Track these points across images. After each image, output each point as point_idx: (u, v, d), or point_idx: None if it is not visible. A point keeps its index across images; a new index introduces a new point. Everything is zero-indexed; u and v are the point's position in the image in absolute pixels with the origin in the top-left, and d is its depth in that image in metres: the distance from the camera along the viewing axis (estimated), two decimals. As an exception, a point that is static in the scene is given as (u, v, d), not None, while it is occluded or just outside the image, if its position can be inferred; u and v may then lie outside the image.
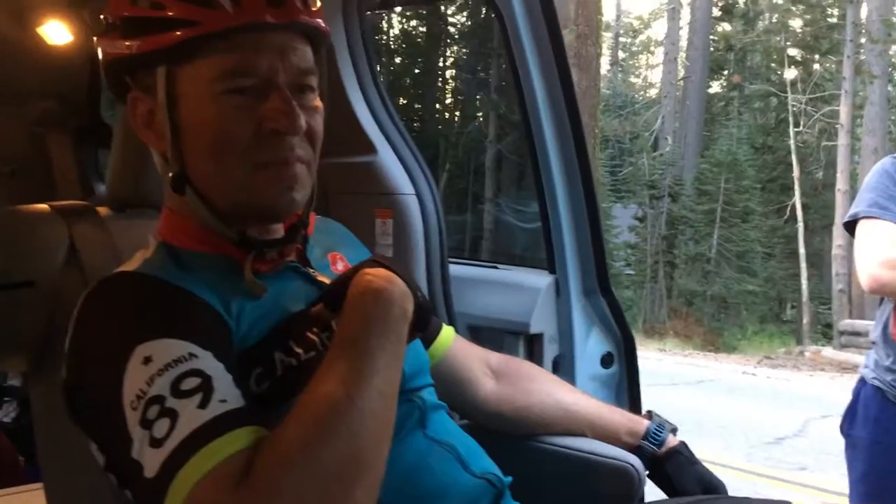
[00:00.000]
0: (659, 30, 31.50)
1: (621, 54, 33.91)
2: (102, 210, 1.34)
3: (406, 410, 1.04)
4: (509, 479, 1.11)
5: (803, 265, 17.46)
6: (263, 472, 0.75)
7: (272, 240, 1.01)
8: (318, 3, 0.99)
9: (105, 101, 2.46)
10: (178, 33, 0.90)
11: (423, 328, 0.98)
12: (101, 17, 0.99)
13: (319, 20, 0.98)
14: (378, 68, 1.83)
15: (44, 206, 1.27)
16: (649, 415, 1.35)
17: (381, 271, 0.93)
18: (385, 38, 17.27)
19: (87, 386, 0.88)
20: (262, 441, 0.78)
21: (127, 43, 0.94)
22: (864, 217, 1.86)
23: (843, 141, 16.10)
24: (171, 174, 0.97)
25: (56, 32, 2.09)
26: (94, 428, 0.89)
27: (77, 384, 0.90)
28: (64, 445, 1.18)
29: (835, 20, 20.30)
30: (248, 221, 0.98)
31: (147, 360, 0.82)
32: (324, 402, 0.79)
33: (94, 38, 1.01)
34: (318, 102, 0.99)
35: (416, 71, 19.13)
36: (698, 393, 7.79)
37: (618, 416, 1.34)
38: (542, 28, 1.71)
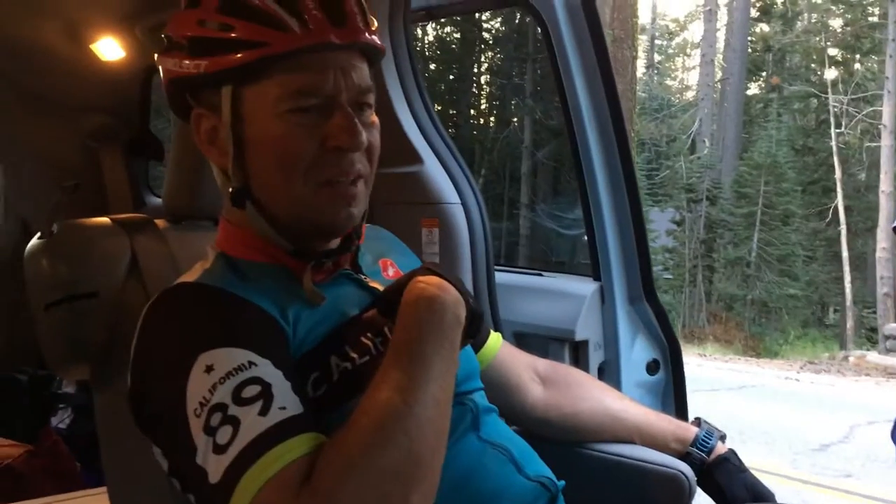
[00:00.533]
0: (695, 32, 31.21)
1: (657, 57, 33.65)
2: (160, 222, 1.38)
3: (458, 413, 1.06)
4: (563, 483, 1.12)
5: (846, 268, 17.13)
6: (324, 477, 0.77)
7: (328, 250, 1.04)
8: (375, 21, 1.02)
9: (154, 113, 2.52)
10: (247, 54, 0.93)
11: (475, 334, 1.00)
12: (163, 35, 1.03)
13: (376, 38, 1.00)
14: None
15: (105, 220, 1.32)
16: (698, 422, 1.35)
17: (434, 279, 0.96)
18: (420, 44, 17.35)
19: (152, 394, 0.91)
20: (323, 446, 0.81)
21: (194, 62, 0.96)
22: None
23: (886, 142, 15.77)
24: (231, 189, 1.00)
25: (108, 48, 2.15)
26: (160, 434, 0.92)
27: (142, 392, 0.93)
28: (127, 451, 1.22)
29: (876, 19, 19.92)
30: (306, 234, 1.01)
31: (209, 369, 0.85)
32: (382, 408, 0.82)
33: (156, 57, 1.04)
34: (374, 118, 1.02)
35: (451, 77, 19.16)
36: (740, 399, 7.69)
37: (666, 423, 1.34)
38: (584, 33, 1.73)
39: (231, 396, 0.82)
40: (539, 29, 1.76)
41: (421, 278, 0.96)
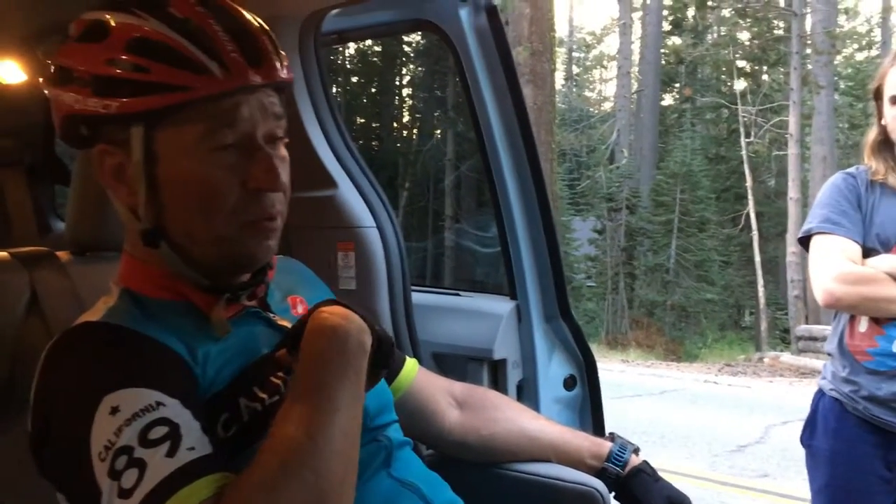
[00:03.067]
0: (611, 44, 32.01)
1: (575, 69, 34.39)
2: (62, 255, 1.34)
3: (372, 451, 1.07)
4: None
5: (759, 272, 17.78)
6: None
7: (241, 283, 1.03)
8: (284, 54, 1.02)
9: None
10: (166, 97, 0.90)
11: (386, 362, 1.00)
12: (56, 66, 0.98)
13: (292, 75, 1.01)
14: (334, 92, 1.85)
15: (3, 254, 1.27)
16: (612, 437, 1.38)
17: (337, 308, 0.95)
18: (341, 57, 17.29)
19: (54, 437, 0.88)
20: (227, 488, 0.79)
21: (102, 102, 0.92)
22: (816, 233, 1.90)
23: (792, 150, 16.47)
24: (142, 229, 0.98)
25: (9, 71, 2.08)
26: (63, 480, 0.89)
27: (44, 436, 0.89)
28: (27, 498, 1.17)
29: (781, 32, 20.80)
30: (223, 269, 1.00)
31: (115, 410, 0.82)
32: (286, 445, 0.81)
33: (44, 84, 1.00)
34: (285, 152, 1.01)
35: (374, 90, 19.17)
36: (662, 403, 7.88)
37: (581, 440, 1.36)
38: (493, 54, 1.75)
39: (137, 438, 0.81)
40: (449, 51, 1.77)
41: (324, 309, 0.96)
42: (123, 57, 0.92)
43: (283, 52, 1.00)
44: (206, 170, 0.93)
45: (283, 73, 0.98)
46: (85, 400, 0.84)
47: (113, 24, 0.94)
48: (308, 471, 0.79)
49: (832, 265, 1.84)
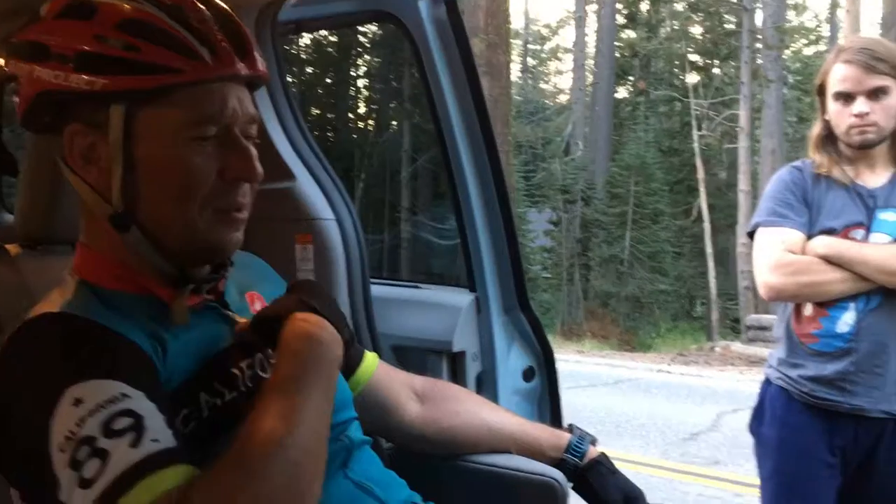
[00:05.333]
0: (567, 37, 32.24)
1: (531, 61, 34.53)
2: (12, 248, 1.31)
3: (333, 451, 1.06)
4: (431, 503, 1.15)
5: (711, 263, 18.12)
6: None
7: (204, 276, 1.03)
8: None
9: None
10: (156, 78, 0.91)
11: (349, 367, 1.06)
12: (26, 42, 0.96)
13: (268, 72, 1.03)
14: (289, 81, 1.83)
15: (-50, 248, 1.23)
16: (570, 428, 1.40)
17: (313, 317, 0.97)
18: (295, 48, 17.13)
19: (12, 430, 0.87)
20: (200, 480, 0.79)
21: (87, 79, 0.91)
22: (763, 226, 1.95)
23: (743, 143, 16.79)
24: (112, 212, 0.96)
25: (-47, 58, 2.01)
26: (18, 473, 0.88)
27: (1, 428, 0.88)
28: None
29: (732, 27, 21.15)
30: (191, 259, 1.00)
31: (78, 402, 0.82)
32: (262, 441, 0.82)
33: (14, 64, 0.97)
34: (255, 150, 1.02)
35: (329, 80, 19.01)
36: (616, 393, 7.99)
37: (540, 432, 1.38)
38: (452, 46, 1.74)
39: (101, 429, 0.80)
40: (408, 43, 1.77)
41: (300, 315, 0.97)
42: (114, 35, 0.92)
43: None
44: (185, 156, 0.93)
45: (264, 69, 1.00)
46: (47, 391, 0.83)
47: (97, 2, 0.94)
48: (281, 467, 0.80)
49: (770, 256, 1.89)
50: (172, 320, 0.98)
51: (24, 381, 0.88)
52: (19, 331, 0.92)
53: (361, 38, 18.36)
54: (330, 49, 18.53)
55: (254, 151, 1.00)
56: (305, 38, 17.58)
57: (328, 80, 18.87)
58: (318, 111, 18.12)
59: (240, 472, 0.78)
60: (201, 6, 0.95)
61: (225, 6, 0.99)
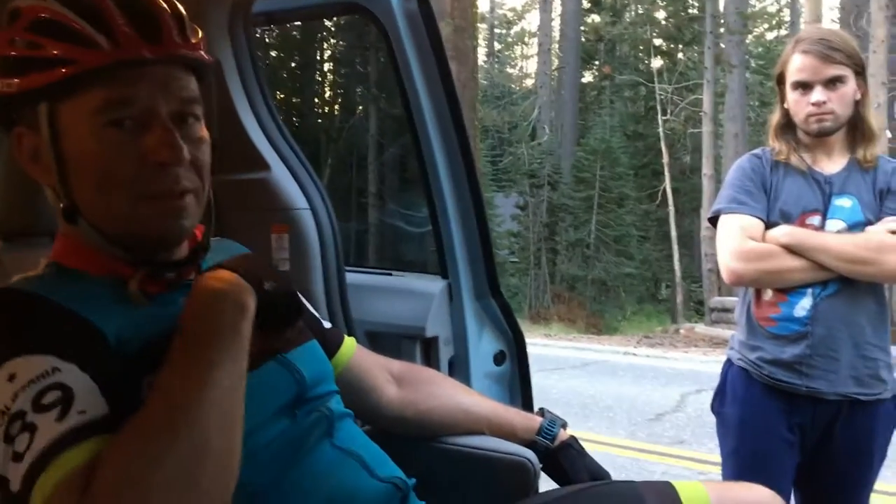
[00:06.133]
0: (532, 21, 32.25)
1: (497, 45, 34.51)
2: (-8, 241, 1.32)
3: (314, 420, 1.10)
4: (413, 480, 1.18)
5: (675, 247, 18.34)
6: (104, 487, 0.77)
7: (171, 262, 1.04)
8: (199, 35, 1.02)
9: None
10: (58, 71, 0.92)
11: (286, 321, 1.03)
12: None
13: (201, 52, 1.01)
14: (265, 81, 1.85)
15: (-70, 241, 1.25)
16: (542, 412, 1.45)
17: (221, 272, 0.97)
18: (258, 31, 16.90)
19: None
20: (105, 449, 0.80)
21: (6, 81, 0.95)
22: (723, 213, 2.01)
23: (706, 128, 16.99)
24: (61, 207, 0.99)
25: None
26: None
27: None
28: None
29: (696, 12, 21.34)
30: (140, 246, 1.01)
31: (11, 378, 0.84)
32: (161, 404, 0.83)
33: None
34: (203, 132, 1.02)
35: (293, 65, 18.84)
36: (583, 375, 8.09)
37: (513, 415, 1.43)
38: (423, 39, 1.78)
39: (31, 403, 0.82)
40: (381, 35, 1.80)
41: (209, 274, 0.98)
42: (20, 36, 0.94)
43: (197, 32, 1.01)
44: (101, 144, 0.94)
45: (187, 51, 0.98)
46: None
47: (22, 7, 0.96)
48: (184, 430, 0.80)
49: (733, 244, 1.94)
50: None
51: None
52: None
53: (326, 23, 18.20)
54: (295, 33, 18.36)
55: (194, 137, 0.99)
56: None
57: (292, 65, 18.70)
58: (282, 95, 17.96)
59: (137, 445, 0.79)
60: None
61: None
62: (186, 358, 0.88)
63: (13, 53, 0.95)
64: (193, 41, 1.00)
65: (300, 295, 1.12)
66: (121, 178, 0.95)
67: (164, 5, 0.97)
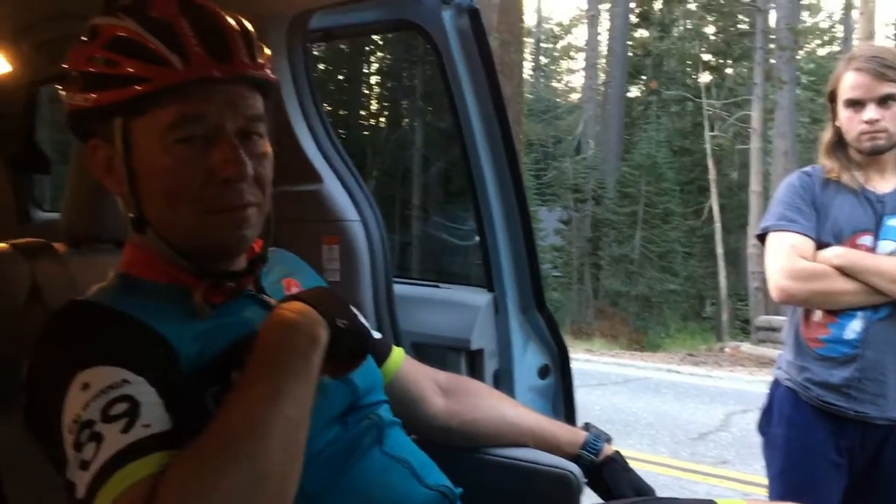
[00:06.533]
0: (579, 36, 32.17)
1: (543, 60, 34.47)
2: (59, 246, 1.38)
3: (365, 427, 1.13)
4: (460, 490, 1.19)
5: (721, 264, 18.07)
6: (165, 500, 0.79)
7: (231, 272, 1.08)
8: (267, 53, 1.06)
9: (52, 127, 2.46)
10: (133, 89, 0.97)
11: (357, 353, 1.03)
12: (64, 67, 1.05)
13: (267, 72, 1.05)
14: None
15: (3, 245, 1.30)
16: (586, 426, 1.45)
17: (295, 304, 0.98)
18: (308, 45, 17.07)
19: (38, 411, 0.95)
20: (170, 464, 0.82)
21: (84, 96, 1.00)
22: (772, 230, 1.99)
23: (755, 144, 16.73)
24: (131, 217, 1.04)
25: (-8, 62, 2.09)
26: (48, 451, 0.95)
27: (32, 409, 0.96)
28: (32, 479, 1.21)
29: (745, 27, 21.08)
30: (204, 256, 1.05)
31: (85, 386, 0.88)
32: (225, 430, 0.84)
33: (60, 87, 1.06)
34: (266, 148, 1.05)
35: (341, 77, 19.05)
36: (625, 392, 8.01)
37: (558, 428, 1.44)
38: (475, 56, 1.80)
39: (100, 413, 0.85)
40: (432, 53, 1.83)
41: (283, 304, 1.00)
42: (99, 54, 0.99)
43: (264, 52, 1.05)
44: (171, 160, 0.98)
45: (254, 70, 1.02)
46: (62, 376, 0.90)
47: (101, 25, 1.01)
48: (245, 456, 0.82)
49: (784, 262, 1.92)
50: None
51: (46, 365, 0.95)
52: (50, 318, 1.00)
53: (375, 37, 18.38)
54: (342, 46, 18.57)
55: (258, 152, 1.02)
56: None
57: (340, 77, 18.90)
58: (329, 108, 18.16)
59: (197, 468, 0.80)
60: (185, 18, 0.99)
61: (221, 15, 1.02)
62: (255, 384, 0.89)
63: (91, 69, 0.99)
64: (260, 61, 1.03)
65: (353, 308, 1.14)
66: (188, 193, 0.99)
67: (234, 25, 1.02)
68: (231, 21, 1.02)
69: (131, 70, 0.97)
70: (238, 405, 0.87)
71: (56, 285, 1.27)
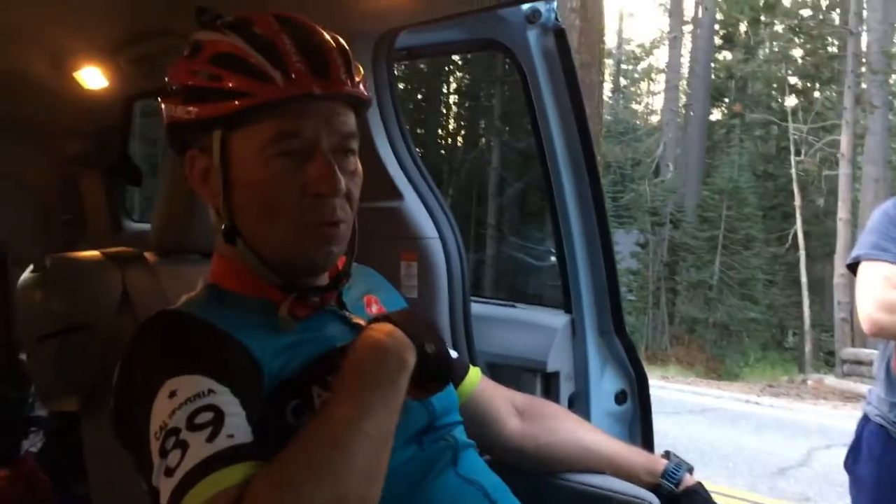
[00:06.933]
0: (660, 57, 31.75)
1: (623, 81, 34.14)
2: (149, 255, 1.42)
3: (440, 449, 1.12)
4: None
5: (805, 293, 17.48)
6: None
7: (315, 287, 1.10)
8: (361, 73, 1.08)
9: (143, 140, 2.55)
10: (234, 103, 0.99)
11: (441, 377, 1.03)
12: (166, 80, 1.08)
13: (361, 89, 1.07)
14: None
15: (97, 254, 1.35)
16: (667, 455, 1.41)
17: (385, 326, 0.99)
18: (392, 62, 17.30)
19: (127, 415, 0.97)
20: (255, 477, 0.83)
21: (186, 108, 1.03)
22: (864, 259, 1.92)
23: (844, 170, 16.17)
24: (223, 227, 1.06)
25: (92, 77, 2.18)
26: (134, 456, 0.97)
27: (120, 414, 0.99)
28: (116, 480, 1.25)
29: (835, 50, 20.47)
30: (292, 270, 1.07)
31: (172, 394, 0.89)
32: (311, 446, 0.85)
33: (160, 99, 1.10)
34: (357, 166, 1.08)
35: (420, 97, 19.27)
36: (702, 421, 7.81)
37: (636, 456, 1.40)
38: (559, 76, 1.80)
39: (185, 421, 0.87)
40: (516, 70, 1.83)
41: (372, 325, 1.00)
42: (202, 68, 1.02)
43: (359, 70, 1.07)
44: (268, 173, 1.00)
45: (351, 88, 1.04)
46: (150, 383, 0.92)
47: (205, 41, 1.04)
48: (329, 476, 0.82)
49: (876, 293, 1.85)
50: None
51: (136, 372, 0.97)
52: (141, 326, 1.03)
53: (454, 56, 18.53)
54: (422, 65, 18.79)
55: (351, 170, 1.04)
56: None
57: (419, 97, 19.12)
58: (408, 126, 18.34)
59: (282, 481, 0.81)
60: (287, 35, 1.01)
61: (321, 33, 1.04)
62: (342, 403, 0.90)
63: (194, 83, 1.03)
64: (357, 79, 1.06)
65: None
66: (282, 206, 1.01)
67: (333, 44, 1.04)
68: (330, 39, 1.04)
69: (233, 85, 0.99)
70: (324, 423, 0.87)
71: (145, 294, 1.31)
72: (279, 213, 1.01)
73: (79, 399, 1.30)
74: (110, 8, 1.81)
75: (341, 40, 1.06)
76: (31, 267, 1.31)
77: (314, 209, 1.01)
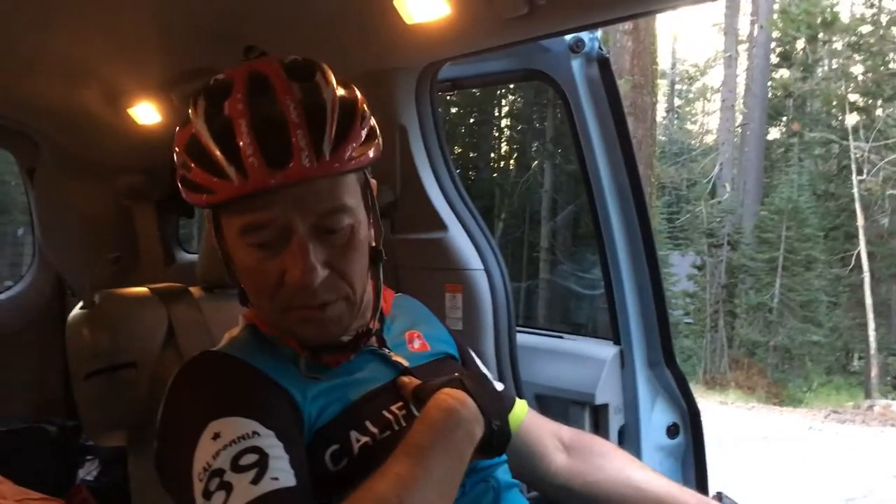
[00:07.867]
0: (715, 77, 31.35)
1: (677, 101, 33.79)
2: (195, 290, 1.44)
3: (481, 491, 1.11)
4: None
5: (870, 315, 16.94)
6: None
7: (335, 345, 1.08)
8: (362, 134, 1.01)
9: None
10: (203, 197, 0.99)
11: (492, 451, 1.02)
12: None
13: (338, 165, 0.98)
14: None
15: (144, 290, 1.38)
16: (719, 496, 1.37)
17: (459, 393, 0.99)
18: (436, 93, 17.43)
19: (170, 456, 0.98)
20: None
21: (179, 186, 1.04)
22: None
23: (909, 189, 15.70)
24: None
25: (145, 113, 2.24)
26: (177, 495, 0.97)
27: (163, 455, 1.00)
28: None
29: (897, 66, 19.97)
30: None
31: (216, 436, 0.90)
32: (377, 498, 0.85)
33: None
34: (353, 236, 1.02)
35: (472, 120, 19.34)
36: (763, 449, 7.59)
37: (688, 497, 1.34)
38: (604, 105, 1.78)
39: (230, 463, 0.87)
40: (560, 100, 1.82)
41: (447, 390, 1.00)
42: (181, 153, 1.01)
43: (353, 136, 0.99)
44: (250, 259, 1.00)
45: (319, 169, 0.96)
46: (194, 424, 0.93)
47: (189, 121, 1.02)
48: None
49: None
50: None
51: (179, 413, 0.98)
52: (183, 368, 1.04)
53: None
54: (473, 90, 18.86)
55: (339, 245, 1.00)
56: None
57: (471, 121, 19.19)
58: (459, 150, 18.42)
59: None
60: (248, 117, 0.95)
61: (288, 107, 0.96)
62: (407, 462, 0.90)
63: (174, 166, 1.04)
64: (339, 152, 0.98)
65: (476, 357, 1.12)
66: (267, 291, 1.01)
67: (299, 120, 0.96)
68: (297, 116, 0.96)
69: (199, 180, 0.98)
70: (387, 478, 0.87)
71: (190, 329, 1.33)
72: (263, 295, 1.02)
73: (126, 433, 1.32)
74: (163, 47, 1.86)
75: (325, 101, 0.98)
76: (80, 304, 1.34)
77: (294, 296, 1.00)
